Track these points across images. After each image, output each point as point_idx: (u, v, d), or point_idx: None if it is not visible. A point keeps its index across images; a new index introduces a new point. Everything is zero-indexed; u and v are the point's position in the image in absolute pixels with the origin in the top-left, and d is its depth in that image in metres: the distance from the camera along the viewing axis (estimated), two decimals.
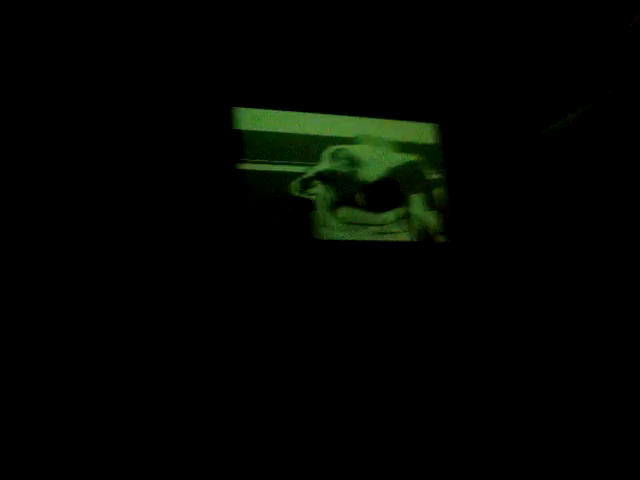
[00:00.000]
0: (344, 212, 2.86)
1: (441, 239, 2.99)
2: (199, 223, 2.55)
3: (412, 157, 3.00)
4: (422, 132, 3.09)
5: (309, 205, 2.81)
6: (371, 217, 2.89)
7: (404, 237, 2.93)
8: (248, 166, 2.72)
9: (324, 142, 2.88)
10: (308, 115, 2.88)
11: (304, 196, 2.81)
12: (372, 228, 2.88)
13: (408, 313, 2.80)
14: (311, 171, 2.83)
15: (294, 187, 2.79)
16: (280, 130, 2.80)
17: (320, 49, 2.89)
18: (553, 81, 3.01)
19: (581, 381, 2.49)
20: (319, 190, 2.83)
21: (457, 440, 2.42)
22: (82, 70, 2.46)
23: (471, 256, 3.01)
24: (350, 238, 2.84)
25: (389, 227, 2.91)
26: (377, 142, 2.96)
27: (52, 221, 2.29)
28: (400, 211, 2.94)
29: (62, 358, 2.16)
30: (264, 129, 2.77)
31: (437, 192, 3.03)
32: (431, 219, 2.98)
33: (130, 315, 2.31)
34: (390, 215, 2.92)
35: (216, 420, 2.26)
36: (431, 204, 3.00)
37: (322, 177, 2.85)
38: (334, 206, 2.85)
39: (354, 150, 2.92)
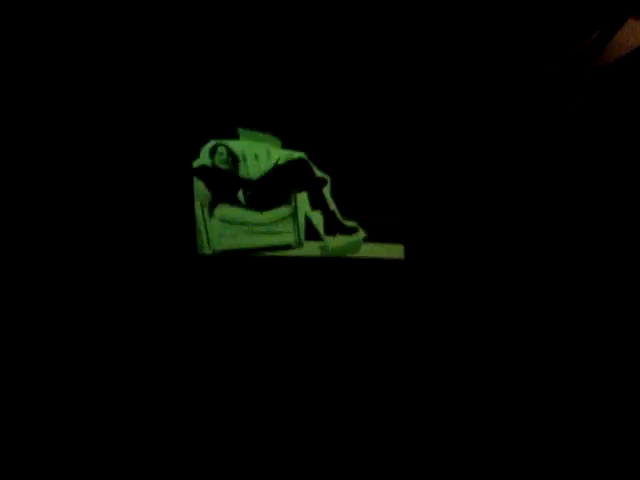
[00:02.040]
0: (224, 210, 2.72)
1: (326, 239, 2.89)
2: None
3: (298, 154, 2.89)
4: None
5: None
6: (254, 216, 2.76)
7: (289, 237, 2.81)
8: None
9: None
10: None
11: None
12: (255, 227, 2.76)
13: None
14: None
15: None
16: None
17: None
18: None
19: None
20: (197, 187, 2.69)
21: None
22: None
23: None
24: (232, 240, 2.72)
25: (273, 226, 2.79)
26: (260, 138, 2.84)
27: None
28: (285, 210, 2.83)
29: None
30: None
31: (324, 190, 2.94)
32: (317, 218, 2.88)
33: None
34: (274, 214, 2.80)
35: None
36: (318, 202, 2.90)
37: (200, 173, 2.70)
38: (214, 204, 2.71)
39: (235, 145, 2.78)
